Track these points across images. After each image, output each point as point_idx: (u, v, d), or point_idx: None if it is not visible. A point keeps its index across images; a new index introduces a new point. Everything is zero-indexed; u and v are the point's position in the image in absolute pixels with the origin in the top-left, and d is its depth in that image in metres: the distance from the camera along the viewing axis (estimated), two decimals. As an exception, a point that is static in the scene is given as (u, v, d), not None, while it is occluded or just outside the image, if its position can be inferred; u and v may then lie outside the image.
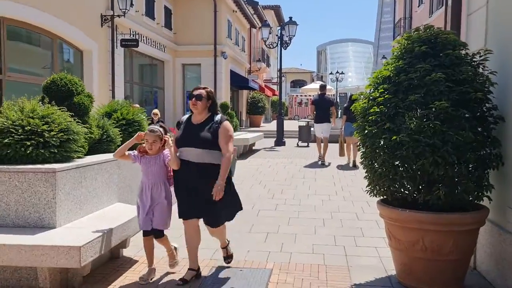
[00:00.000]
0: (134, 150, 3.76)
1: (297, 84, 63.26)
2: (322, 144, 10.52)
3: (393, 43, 3.75)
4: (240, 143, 11.05)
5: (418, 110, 3.39)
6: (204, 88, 3.64)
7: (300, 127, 15.78)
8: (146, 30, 17.11)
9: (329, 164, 10.30)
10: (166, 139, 3.62)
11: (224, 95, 20.94)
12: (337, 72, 38.59)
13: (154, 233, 3.64)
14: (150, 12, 17.61)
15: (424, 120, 3.25)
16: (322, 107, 10.44)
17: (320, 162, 10.27)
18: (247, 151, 12.29)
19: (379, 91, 3.54)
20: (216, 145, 3.49)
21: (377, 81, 3.66)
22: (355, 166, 9.51)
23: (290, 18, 14.67)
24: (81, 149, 4.07)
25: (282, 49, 15.43)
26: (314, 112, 10.59)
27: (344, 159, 10.45)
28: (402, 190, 3.52)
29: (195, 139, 3.52)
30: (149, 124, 7.31)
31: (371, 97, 3.65)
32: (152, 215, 3.61)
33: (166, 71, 20.27)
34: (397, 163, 3.39)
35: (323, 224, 5.48)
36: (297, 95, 42.73)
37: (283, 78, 47.55)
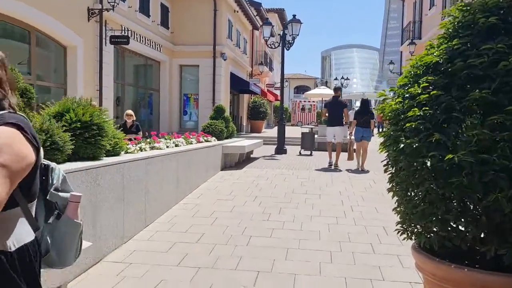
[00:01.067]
0: None
1: (301, 90, 62.19)
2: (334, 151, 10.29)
3: (443, 13, 2.48)
4: (236, 151, 9.90)
5: (480, 116, 2.23)
6: None
7: (303, 134, 14.61)
8: (140, 28, 16.02)
9: (340, 170, 10.01)
10: None
11: (223, 99, 19.80)
12: (342, 77, 37.41)
13: None
14: (145, 9, 16.54)
15: (497, 130, 2.08)
16: (335, 110, 10.09)
17: (333, 167, 10.12)
18: (244, 160, 11.12)
19: (421, 85, 2.37)
20: None
21: (417, 71, 2.50)
22: (363, 171, 9.64)
23: (294, 16, 13.55)
24: None
25: (285, 50, 14.30)
26: (327, 115, 10.36)
27: (353, 163, 10.32)
28: (454, 234, 2.34)
29: None
30: (119, 128, 6.22)
31: (407, 95, 2.48)
32: None
33: (162, 72, 19.15)
34: (447, 193, 2.21)
35: (330, 260, 4.30)
36: (300, 101, 41.64)
37: (286, 84, 46.56)
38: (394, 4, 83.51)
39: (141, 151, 5.98)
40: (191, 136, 8.74)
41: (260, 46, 30.15)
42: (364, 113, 9.94)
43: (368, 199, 6.87)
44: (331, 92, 32.84)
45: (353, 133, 10.05)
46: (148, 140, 6.66)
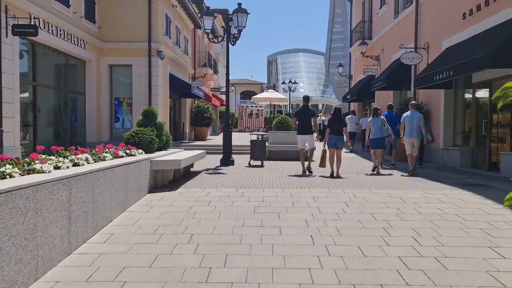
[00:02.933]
0: None
1: (247, 95, 60.68)
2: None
3: None
4: (169, 166, 7.75)
5: None
6: None
7: (252, 142, 12.73)
8: (57, 19, 13.43)
9: (314, 175, 9.99)
10: None
11: (162, 103, 17.50)
12: (290, 81, 36.10)
13: None
14: (63, -3, 13.96)
15: None
16: (305, 118, 10.33)
17: (306, 172, 10.16)
18: (181, 176, 9.01)
19: None
20: None
21: None
22: (338, 177, 9.54)
23: (239, 4, 11.66)
24: None
25: (231, 44, 12.38)
26: (296, 123, 10.57)
27: (324, 170, 10.18)
28: None
29: None
30: None
31: None
32: None
33: (88, 72, 16.51)
34: None
35: None
36: (247, 106, 39.96)
37: (232, 88, 44.68)
38: (338, 8, 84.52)
39: (4, 178, 3.77)
40: (105, 150, 6.54)
41: (203, 47, 28.07)
42: (337, 121, 10.17)
43: (345, 233, 5.05)
44: (280, 95, 31.41)
45: (327, 141, 10.09)
46: (25, 160, 4.42)
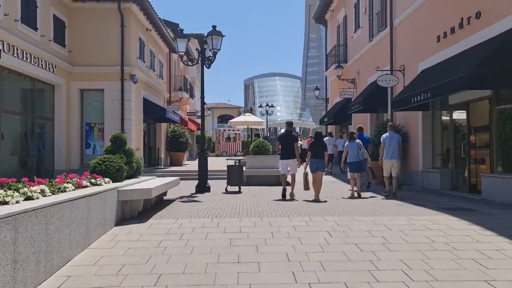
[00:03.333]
0: None
1: (225, 119, 60.53)
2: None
3: None
4: (138, 196, 7.20)
5: None
6: None
7: (229, 167, 12.29)
8: (23, 43, 12.88)
9: (296, 200, 9.98)
10: None
11: (135, 128, 16.93)
12: (267, 105, 36.04)
13: None
14: (30, 20, 13.44)
15: None
16: (288, 143, 10.39)
17: (289, 197, 10.13)
18: (153, 206, 8.45)
19: None
20: None
21: None
22: (319, 201, 9.48)
23: (214, 27, 11.41)
24: None
25: (205, 67, 12.04)
26: (279, 148, 10.56)
27: (308, 194, 10.31)
28: None
29: None
30: None
31: None
32: None
33: (57, 97, 15.87)
34: None
35: None
36: (224, 130, 39.66)
37: (209, 112, 44.33)
38: (313, 33, 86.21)
39: None
40: (66, 180, 5.98)
41: (179, 71, 27.73)
42: (318, 145, 10.19)
43: (329, 267, 4.62)
44: (257, 119, 31.21)
45: (309, 165, 10.12)
46: None
